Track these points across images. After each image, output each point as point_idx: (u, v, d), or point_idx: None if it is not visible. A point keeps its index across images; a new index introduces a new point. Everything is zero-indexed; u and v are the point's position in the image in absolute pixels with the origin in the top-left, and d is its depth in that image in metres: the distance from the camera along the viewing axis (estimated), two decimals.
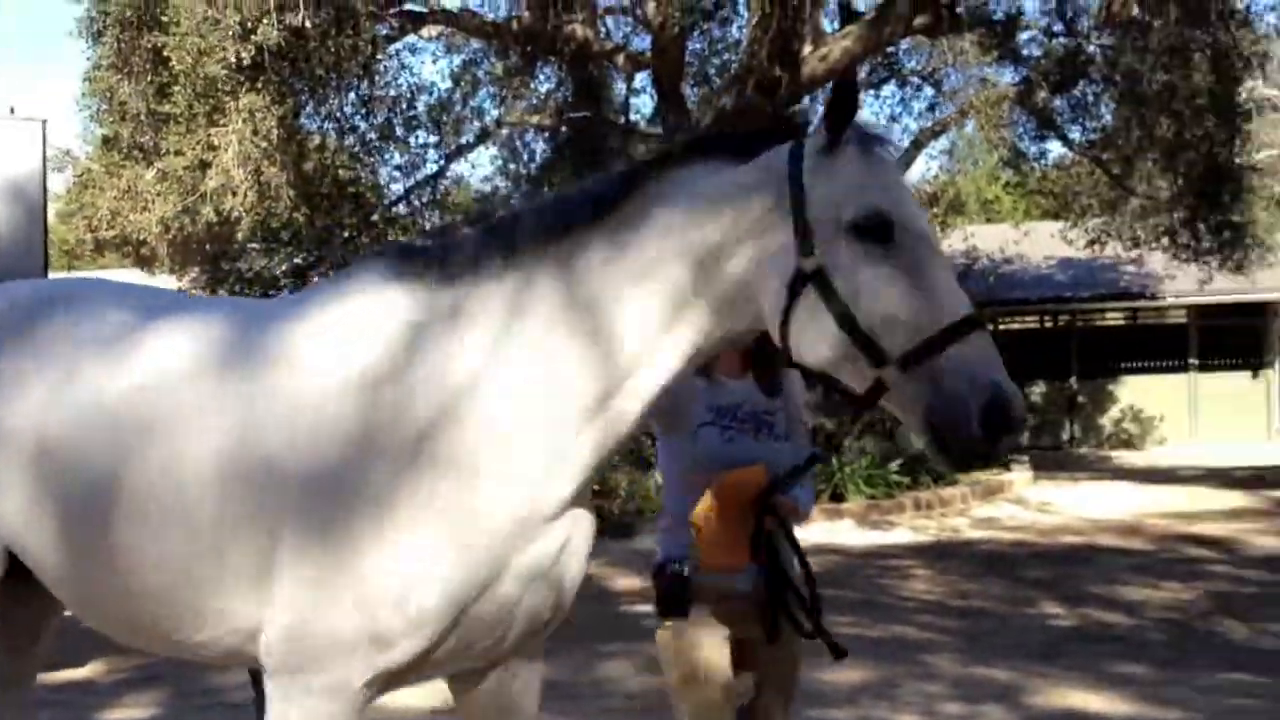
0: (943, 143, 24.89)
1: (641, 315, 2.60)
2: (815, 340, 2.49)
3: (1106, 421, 25.13)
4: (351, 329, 2.71)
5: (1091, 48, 19.20)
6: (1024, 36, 19.38)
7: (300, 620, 2.57)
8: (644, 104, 20.51)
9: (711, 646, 3.34)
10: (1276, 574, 10.16)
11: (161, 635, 2.86)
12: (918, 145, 20.85)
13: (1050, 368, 25.72)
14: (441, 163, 18.10)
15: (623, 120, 18.97)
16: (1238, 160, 19.81)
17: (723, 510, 3.26)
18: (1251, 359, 25.65)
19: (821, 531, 13.69)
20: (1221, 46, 17.23)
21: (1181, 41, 16.69)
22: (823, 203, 2.51)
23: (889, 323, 2.43)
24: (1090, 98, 20.00)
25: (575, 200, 2.74)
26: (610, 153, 17.97)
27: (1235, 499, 15.06)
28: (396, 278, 2.74)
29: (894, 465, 15.53)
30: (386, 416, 2.59)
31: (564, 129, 17.94)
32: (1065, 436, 25.93)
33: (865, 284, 2.45)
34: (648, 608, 3.65)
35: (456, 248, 2.77)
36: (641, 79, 18.65)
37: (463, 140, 18.65)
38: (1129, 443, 24.35)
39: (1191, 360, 24.83)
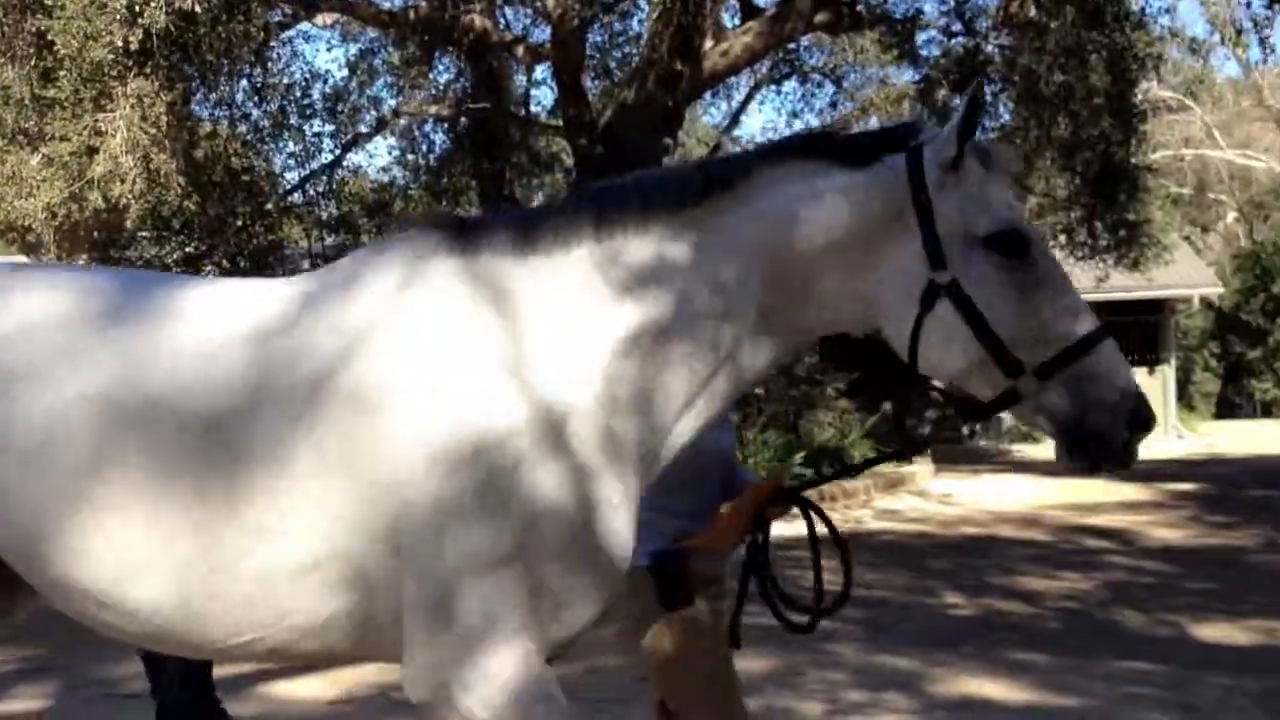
0: None
1: (733, 310, 2.58)
2: (948, 351, 2.54)
3: (1007, 415, 25.48)
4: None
5: (990, 48, 19.41)
6: (923, 36, 19.55)
7: None
8: (545, 96, 20.35)
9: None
10: (1172, 565, 10.30)
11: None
12: None
13: None
14: (338, 152, 17.74)
15: (523, 112, 18.77)
16: (1133, 160, 20.17)
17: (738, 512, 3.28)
18: (1149, 355, 26.22)
19: None
20: (1117, 48, 17.51)
21: (1078, 43, 16.92)
22: (952, 216, 2.53)
23: (1026, 334, 2.50)
24: (989, 97, 20.23)
25: (683, 179, 2.69)
26: (511, 145, 17.76)
27: (1132, 492, 15.30)
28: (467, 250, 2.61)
29: (797, 458, 15.53)
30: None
31: (463, 120, 17.65)
32: (966, 430, 26.26)
33: (1002, 296, 2.50)
34: None
35: (544, 216, 2.69)
36: (542, 71, 18.48)
37: (359, 130, 18.33)
38: (1029, 436, 24.71)
39: None
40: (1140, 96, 20.27)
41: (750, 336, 2.61)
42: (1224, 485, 16.03)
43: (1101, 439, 2.48)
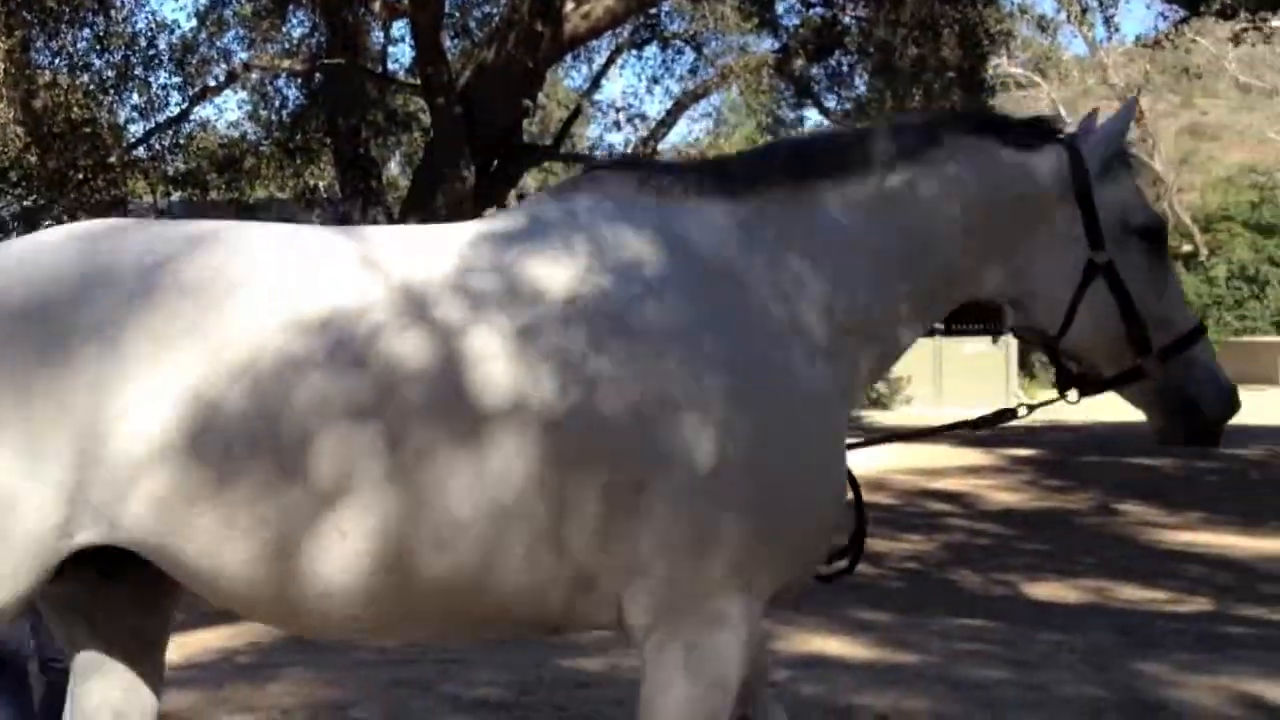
0: (704, 106, 25.10)
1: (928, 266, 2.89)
2: (1096, 324, 2.85)
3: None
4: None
5: (847, 19, 19.67)
6: (783, 5, 19.74)
7: None
8: (402, 53, 20.01)
9: None
10: (1009, 527, 10.65)
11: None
12: (680, 107, 20.99)
13: None
14: (185, 105, 17.20)
15: (380, 69, 18.41)
16: None
17: None
18: (992, 325, 27.01)
19: None
20: (969, 23, 17.89)
21: (932, 17, 17.24)
22: (1110, 205, 2.87)
23: (1159, 318, 2.84)
24: (845, 68, 20.52)
25: (879, 139, 2.90)
26: (367, 102, 17.41)
27: (974, 457, 15.76)
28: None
29: None
30: None
31: (318, 76, 17.26)
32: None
33: (1145, 282, 2.85)
34: None
35: (754, 164, 2.92)
36: (400, 28, 18.16)
37: (208, 83, 17.76)
38: (879, 402, 25.31)
39: (937, 326, 25.94)
40: (991, 71, 20.79)
41: (927, 298, 2.93)
42: (1061, 451, 16.61)
43: (1206, 419, 2.89)
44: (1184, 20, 16.56)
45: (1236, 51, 27.70)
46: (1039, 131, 2.96)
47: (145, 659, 2.76)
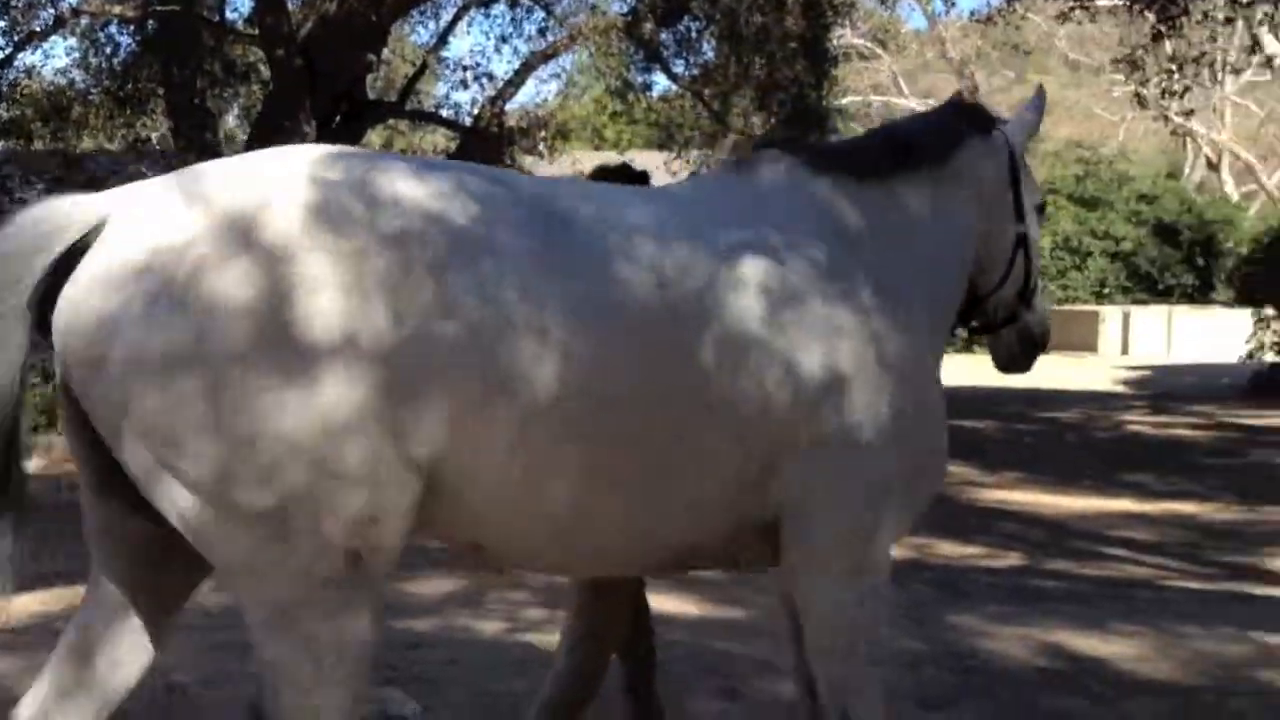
0: (553, 67, 24.94)
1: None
2: (1013, 283, 3.55)
3: None
4: None
5: None
6: None
7: None
8: (241, 2, 19.44)
9: None
10: None
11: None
12: (528, 68, 20.84)
13: None
14: (9, 50, 16.42)
15: (217, 18, 17.84)
16: (825, 103, 21.08)
17: None
18: None
19: None
20: None
21: None
22: (1026, 186, 3.55)
23: (1035, 276, 3.61)
24: (693, 34, 20.63)
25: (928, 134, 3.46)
26: (203, 52, 16.88)
27: None
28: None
29: None
30: None
31: (151, 22, 16.66)
32: None
33: (1036, 250, 3.60)
34: None
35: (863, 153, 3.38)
36: None
37: (34, 27, 16.97)
38: None
39: None
40: (834, 42, 21.16)
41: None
42: None
43: (1037, 350, 3.66)
44: None
45: (1066, 29, 28.66)
46: (993, 121, 3.59)
47: (162, 619, 2.78)
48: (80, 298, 2.37)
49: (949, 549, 7.83)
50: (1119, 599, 7.13)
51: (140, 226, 2.41)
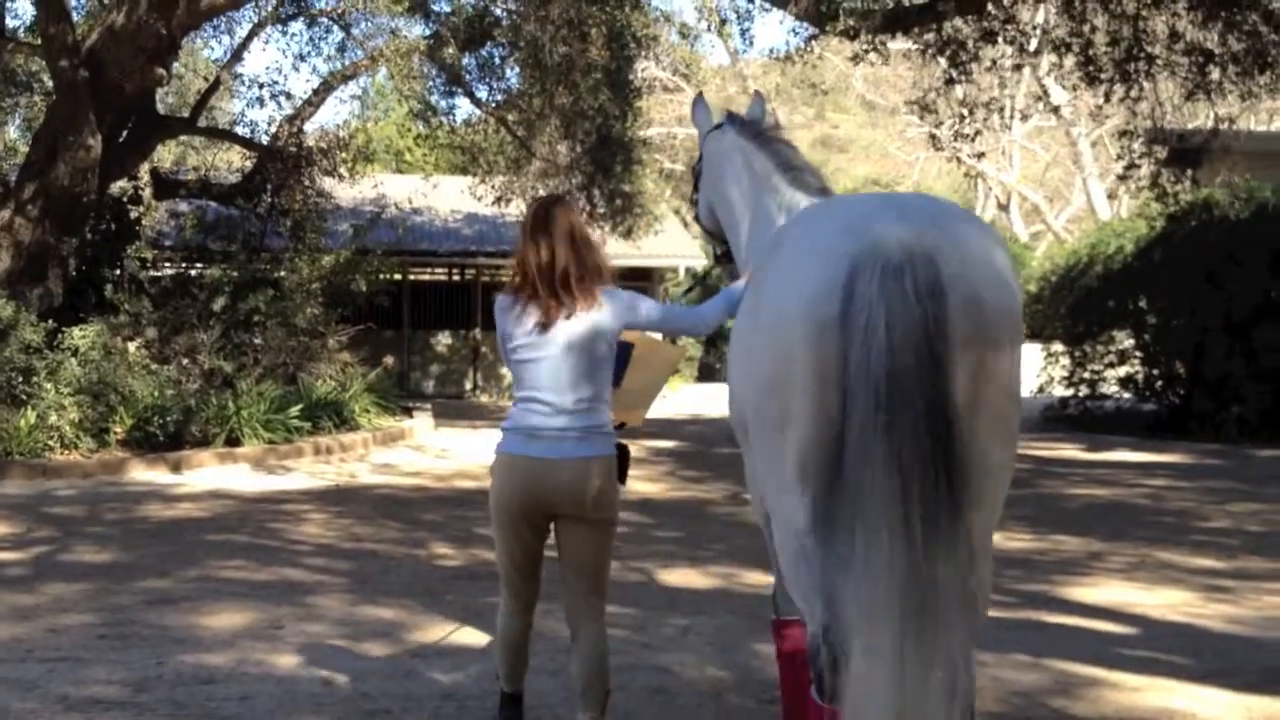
0: (354, 88, 24.41)
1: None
2: None
3: (507, 371, 26.16)
4: None
5: (499, 11, 19.73)
6: None
7: None
8: (23, 9, 18.51)
9: None
10: (647, 516, 10.95)
11: None
12: (327, 87, 20.43)
13: (455, 319, 26.42)
14: None
15: None
16: (629, 134, 21.26)
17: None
18: None
19: (215, 476, 13.09)
20: (616, 26, 18.32)
21: (580, 17, 17.53)
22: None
23: None
24: (497, 60, 20.57)
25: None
26: None
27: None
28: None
29: (294, 410, 15.17)
30: None
31: None
32: (468, 385, 26.73)
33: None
34: None
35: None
36: None
37: None
38: None
39: None
40: (638, 74, 21.36)
41: None
42: (699, 443, 17.27)
43: None
44: (813, 37, 17.56)
45: (863, 70, 29.67)
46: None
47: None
48: None
49: (755, 578, 7.88)
50: None
51: None
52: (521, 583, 4.43)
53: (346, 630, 6.56)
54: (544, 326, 4.21)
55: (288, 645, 6.22)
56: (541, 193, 22.15)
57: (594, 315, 4.21)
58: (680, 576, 8.25)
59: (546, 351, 4.22)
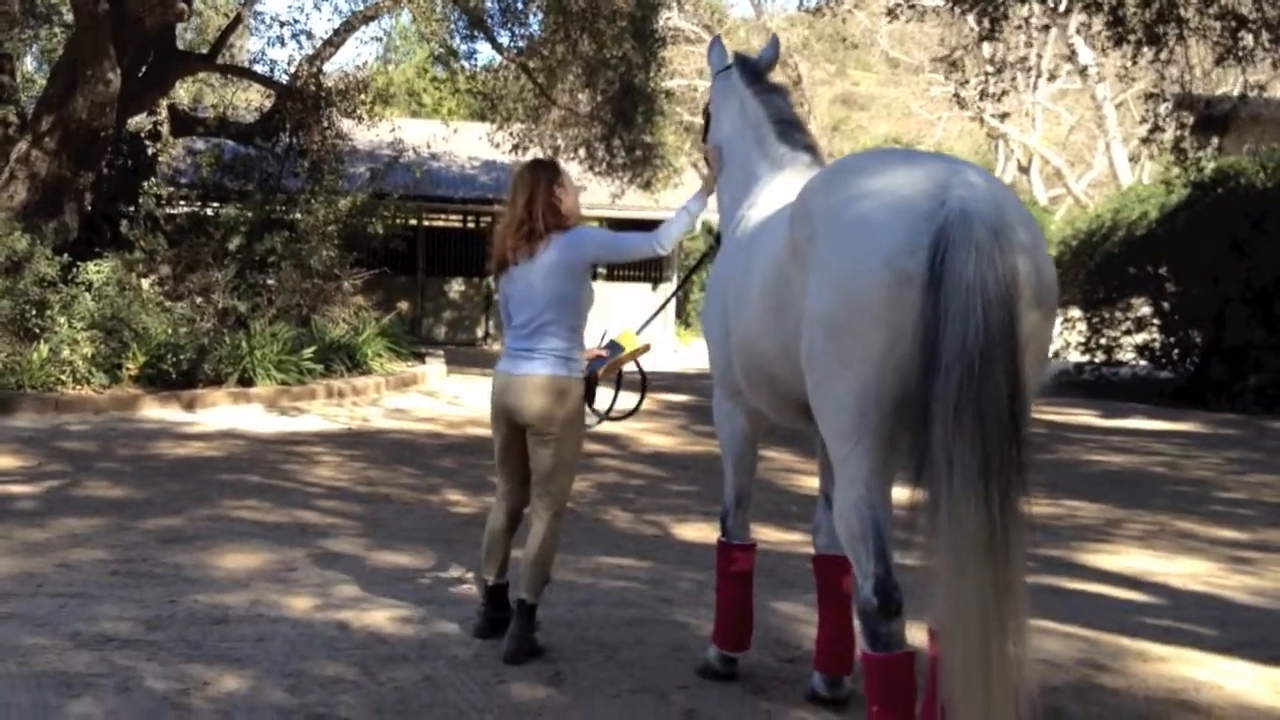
0: (374, 29, 24.13)
1: None
2: None
3: None
4: None
5: None
6: None
7: None
8: None
9: None
10: (660, 469, 10.89)
11: None
12: (348, 28, 20.21)
13: (469, 266, 26.29)
14: None
15: None
16: (651, 85, 21.02)
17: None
18: (653, 273, 27.68)
19: (228, 415, 13.05)
20: None
21: None
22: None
23: None
24: (520, 4, 20.33)
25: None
26: None
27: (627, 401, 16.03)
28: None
29: (307, 352, 15.10)
30: None
31: None
32: (480, 333, 26.66)
33: None
34: None
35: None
36: None
37: None
38: None
39: (600, 270, 26.31)
40: (661, 24, 21.12)
41: None
42: (711, 397, 17.15)
43: None
44: None
45: (889, 27, 29.33)
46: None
47: None
48: None
49: (769, 534, 7.82)
50: None
51: None
52: (502, 471, 5.36)
53: (361, 574, 6.51)
54: (510, 269, 5.21)
55: (302, 588, 6.18)
56: (560, 142, 22.00)
57: (546, 256, 5.14)
58: (695, 531, 8.21)
59: (514, 288, 5.20)
